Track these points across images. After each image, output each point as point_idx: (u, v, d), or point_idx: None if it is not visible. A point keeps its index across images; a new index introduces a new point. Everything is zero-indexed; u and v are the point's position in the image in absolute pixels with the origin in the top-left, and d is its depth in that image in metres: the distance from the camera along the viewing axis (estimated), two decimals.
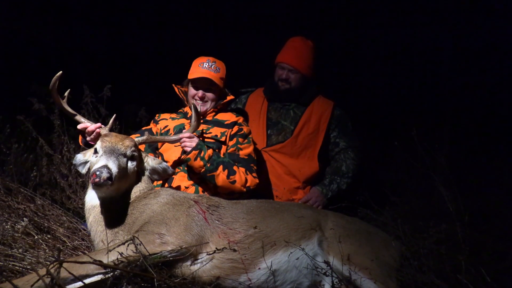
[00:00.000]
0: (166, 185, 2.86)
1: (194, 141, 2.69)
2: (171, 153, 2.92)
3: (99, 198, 2.17)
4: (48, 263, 1.81)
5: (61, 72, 2.35)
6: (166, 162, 2.65)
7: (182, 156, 2.74)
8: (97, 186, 1.96)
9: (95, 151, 2.20)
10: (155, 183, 2.66)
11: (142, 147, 2.86)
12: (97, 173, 1.94)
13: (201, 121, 3.04)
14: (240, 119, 3.12)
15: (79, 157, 2.37)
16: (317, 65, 3.64)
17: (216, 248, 2.05)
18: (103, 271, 1.76)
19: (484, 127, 5.28)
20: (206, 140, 2.95)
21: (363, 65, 7.06)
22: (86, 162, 2.36)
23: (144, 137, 2.53)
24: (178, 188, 2.80)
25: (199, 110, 2.83)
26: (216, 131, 3.00)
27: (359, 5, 7.11)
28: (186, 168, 2.87)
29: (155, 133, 3.08)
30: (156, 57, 7.26)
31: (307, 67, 3.54)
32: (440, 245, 2.22)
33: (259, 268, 2.09)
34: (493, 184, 3.57)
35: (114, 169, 2.02)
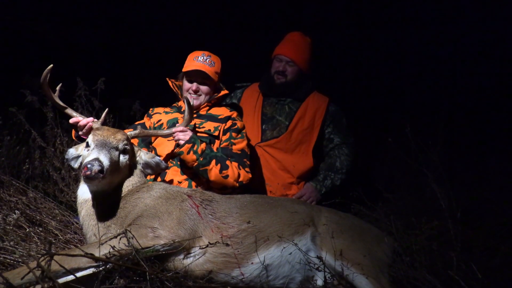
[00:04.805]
0: (159, 179, 2.84)
1: (188, 135, 2.68)
2: (164, 147, 2.91)
3: (91, 191, 2.16)
4: (39, 256, 1.80)
5: (51, 65, 2.32)
6: (159, 156, 2.63)
7: (175, 150, 2.73)
8: (88, 179, 1.95)
9: (87, 145, 2.18)
10: (148, 177, 2.65)
11: (135, 141, 2.85)
12: (88, 166, 1.93)
13: (195, 115, 3.03)
14: (234, 114, 3.11)
15: (71, 152, 2.35)
16: (314, 61, 3.64)
17: (209, 242, 2.04)
18: (95, 264, 1.75)
19: (477, 125, 5.32)
20: (199, 134, 2.94)
21: (358, 62, 7.07)
22: (78, 157, 2.35)
23: (137, 131, 2.51)
24: (171, 182, 2.79)
25: (192, 103, 2.81)
26: (209, 125, 2.99)
27: (358, 3, 7.12)
28: (179, 163, 2.86)
29: (148, 127, 3.06)
30: (151, 50, 7.22)
31: (304, 61, 3.54)
32: (432, 241, 2.24)
33: (252, 263, 2.09)
34: (485, 181, 3.60)
35: (105, 162, 2.01)
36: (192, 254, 2.02)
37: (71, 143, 3.45)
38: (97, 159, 1.98)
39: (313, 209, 2.51)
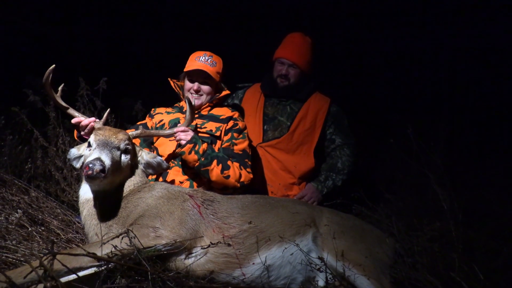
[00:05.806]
0: (161, 179, 2.85)
1: (189, 135, 2.69)
2: (166, 147, 2.91)
3: (93, 191, 2.16)
4: (42, 255, 1.81)
5: (53, 65, 2.33)
6: (161, 156, 2.63)
7: (177, 150, 2.74)
8: (90, 179, 1.95)
9: (89, 145, 2.19)
10: (149, 177, 2.65)
11: (137, 141, 2.85)
12: (90, 165, 1.93)
13: (196, 115, 3.04)
14: (236, 114, 3.11)
15: (73, 152, 2.36)
16: (315, 61, 3.64)
17: (210, 242, 2.05)
18: (97, 263, 1.76)
19: (479, 126, 5.30)
20: (200, 134, 2.94)
21: (360, 62, 7.06)
22: (80, 157, 2.35)
23: (139, 131, 2.52)
24: (172, 182, 2.79)
25: (193, 103, 2.82)
26: (211, 125, 3.00)
27: (359, 4, 7.11)
28: (180, 163, 2.86)
29: (150, 127, 3.07)
30: (153, 50, 7.23)
31: (306, 62, 3.54)
32: (433, 242, 2.24)
33: (253, 263, 2.09)
34: (487, 182, 3.58)
35: (107, 161, 2.02)
36: (193, 254, 2.02)
37: (73, 143, 3.45)
38: (98, 159, 1.98)
39: (315, 210, 2.50)
